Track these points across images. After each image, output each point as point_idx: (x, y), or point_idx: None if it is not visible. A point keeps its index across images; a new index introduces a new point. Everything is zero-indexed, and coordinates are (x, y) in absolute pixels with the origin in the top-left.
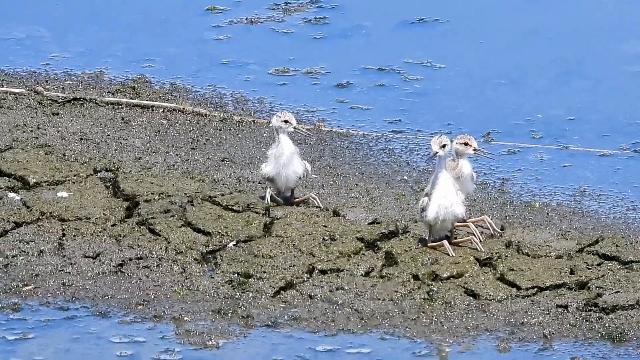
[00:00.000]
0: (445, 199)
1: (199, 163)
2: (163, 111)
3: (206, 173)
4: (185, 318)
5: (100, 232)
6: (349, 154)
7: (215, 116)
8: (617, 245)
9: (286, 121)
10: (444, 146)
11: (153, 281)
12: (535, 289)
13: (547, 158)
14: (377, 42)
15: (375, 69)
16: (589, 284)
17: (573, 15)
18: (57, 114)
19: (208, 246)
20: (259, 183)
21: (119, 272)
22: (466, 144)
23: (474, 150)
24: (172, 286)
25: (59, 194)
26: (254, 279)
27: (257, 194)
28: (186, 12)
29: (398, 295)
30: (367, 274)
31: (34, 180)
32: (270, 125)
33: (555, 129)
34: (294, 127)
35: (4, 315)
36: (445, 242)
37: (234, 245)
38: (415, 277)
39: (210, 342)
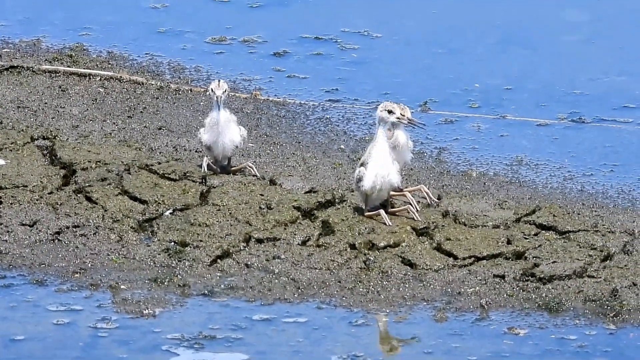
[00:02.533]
0: (382, 168)
1: (136, 131)
2: (100, 79)
3: (143, 141)
4: (122, 286)
5: (37, 200)
6: (285, 123)
7: (152, 84)
8: (554, 215)
9: (212, 89)
10: (390, 112)
11: (90, 249)
12: (472, 259)
13: (484, 127)
14: (314, 10)
15: (312, 38)
16: (525, 254)
17: None
18: None
19: (145, 214)
20: (196, 151)
21: (56, 240)
22: (390, 112)
23: (397, 118)
24: (108, 254)
25: None
26: (190, 247)
27: (193, 162)
28: None
29: (335, 265)
30: (303, 243)
31: None
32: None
33: (493, 98)
34: (216, 95)
35: None
36: (382, 211)
37: (170, 213)
38: (352, 247)
39: (146, 310)
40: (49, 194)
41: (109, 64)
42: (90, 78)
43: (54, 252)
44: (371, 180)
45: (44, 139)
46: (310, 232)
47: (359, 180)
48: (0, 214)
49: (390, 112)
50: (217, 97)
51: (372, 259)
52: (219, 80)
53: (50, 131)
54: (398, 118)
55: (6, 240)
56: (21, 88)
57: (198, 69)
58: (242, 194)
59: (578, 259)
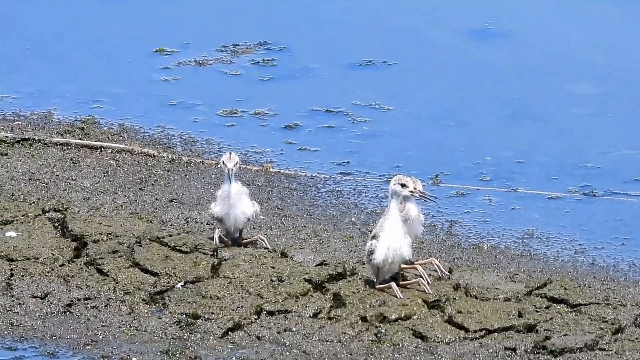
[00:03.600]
0: (394, 241)
1: (147, 204)
2: (111, 152)
3: (154, 214)
4: (134, 358)
5: (48, 272)
6: (297, 196)
7: (164, 157)
8: (565, 288)
9: (224, 162)
10: (403, 185)
11: (101, 321)
12: (484, 332)
13: (495, 200)
14: (325, 83)
15: (323, 111)
16: (537, 327)
17: (522, 56)
18: (6, 155)
19: (156, 287)
20: (207, 224)
21: (68, 312)
22: (403, 185)
23: (410, 191)
24: (120, 326)
25: (7, 234)
26: (202, 319)
27: (205, 235)
28: (135, 53)
29: (346, 337)
30: (315, 315)
31: None
32: (219, 166)
33: (504, 172)
34: (228, 168)
35: None
36: (393, 284)
37: (181, 286)
38: (364, 319)
39: None
40: (60, 266)
41: (121, 136)
42: (101, 150)
43: (66, 324)
44: (383, 253)
45: (55, 211)
46: (322, 305)
47: (371, 253)
48: (11, 286)
49: (403, 185)
50: (228, 170)
51: (383, 331)
52: (230, 153)
53: (62, 203)
54: (411, 192)
55: (18, 313)
56: (33, 160)
57: (209, 142)
58: (253, 266)
59: (589, 332)
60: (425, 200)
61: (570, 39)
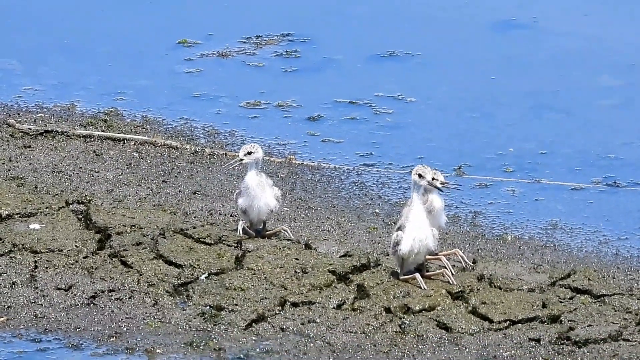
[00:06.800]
0: (420, 232)
1: (171, 196)
2: (135, 144)
3: (178, 206)
4: (158, 350)
5: (72, 264)
6: (320, 187)
7: (187, 149)
8: (589, 279)
9: (250, 152)
10: (420, 176)
11: (125, 313)
12: (508, 322)
13: (519, 191)
14: (348, 75)
15: (347, 102)
16: (561, 318)
17: (546, 48)
18: (29, 147)
19: (180, 278)
20: (231, 216)
21: (91, 304)
22: (420, 176)
23: (428, 182)
24: (144, 318)
25: (31, 226)
26: (225, 311)
27: (228, 226)
28: (158, 45)
29: (370, 328)
30: (339, 306)
31: (6, 212)
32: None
33: (527, 163)
34: (240, 159)
35: None
36: (418, 275)
37: (205, 277)
38: (387, 310)
39: None
40: (84, 258)
41: (144, 128)
42: (124, 142)
43: (90, 316)
44: (409, 244)
45: (78, 203)
46: (346, 296)
47: (397, 244)
48: (35, 278)
49: (420, 175)
50: (241, 161)
51: (407, 322)
52: (252, 145)
53: (85, 195)
54: (429, 182)
55: (42, 305)
56: (56, 152)
57: (232, 134)
58: (277, 258)
59: (613, 323)
60: (441, 192)
61: (594, 30)
